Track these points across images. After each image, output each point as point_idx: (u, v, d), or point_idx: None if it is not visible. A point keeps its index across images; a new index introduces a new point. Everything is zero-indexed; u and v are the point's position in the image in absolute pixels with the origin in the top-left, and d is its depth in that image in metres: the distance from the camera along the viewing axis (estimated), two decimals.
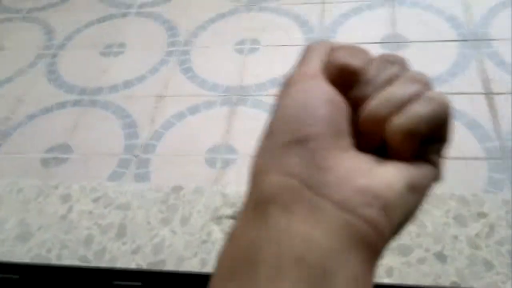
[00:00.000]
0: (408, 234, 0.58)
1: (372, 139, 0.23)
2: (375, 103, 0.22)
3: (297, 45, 2.15)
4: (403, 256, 0.52)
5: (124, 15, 2.49)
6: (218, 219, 0.62)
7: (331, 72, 0.24)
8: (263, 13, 2.35)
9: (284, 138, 0.22)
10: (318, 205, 0.20)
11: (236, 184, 1.67)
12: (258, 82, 2.03)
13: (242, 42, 2.22)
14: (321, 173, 0.21)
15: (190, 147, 1.83)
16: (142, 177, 1.76)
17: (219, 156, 1.78)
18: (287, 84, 0.25)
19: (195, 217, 0.64)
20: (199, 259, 0.62)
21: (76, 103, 2.09)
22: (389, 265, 0.52)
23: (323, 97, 0.22)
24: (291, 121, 0.22)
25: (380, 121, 0.22)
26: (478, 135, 1.69)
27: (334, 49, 0.24)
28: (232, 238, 0.21)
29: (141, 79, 2.14)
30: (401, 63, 0.23)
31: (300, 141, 0.21)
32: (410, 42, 2.06)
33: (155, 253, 0.63)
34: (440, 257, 0.55)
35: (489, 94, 1.80)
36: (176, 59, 2.20)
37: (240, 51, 2.18)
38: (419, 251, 0.56)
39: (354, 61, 0.23)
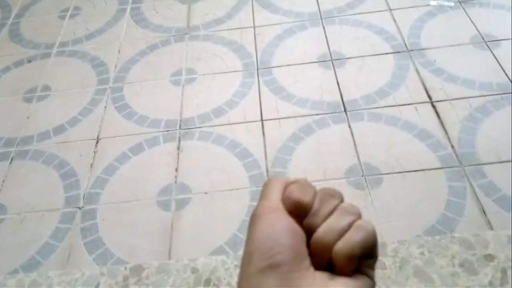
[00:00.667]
0: None
1: (321, 259, 0.29)
2: (321, 231, 0.29)
3: (236, 71, 2.10)
4: None
5: (44, 56, 2.31)
6: None
7: (287, 205, 0.30)
8: (196, 41, 2.28)
9: (260, 264, 0.28)
10: None
11: (201, 250, 1.58)
12: (200, 112, 1.95)
13: (177, 73, 2.13)
14: None
15: (138, 191, 1.70)
16: (90, 232, 1.61)
17: (172, 197, 1.67)
18: (256, 216, 0.31)
19: None
20: None
21: (2, 157, 1.89)
22: None
23: (286, 228, 0.29)
24: (264, 250, 0.28)
25: (326, 245, 0.29)
26: (431, 145, 1.72)
27: (288, 184, 0.32)
28: None
29: (73, 122, 1.98)
30: (338, 196, 0.31)
31: (273, 267, 0.28)
32: (347, 58, 2.08)
33: None
34: None
35: (433, 102, 1.85)
36: (108, 97, 2.07)
37: (177, 83, 2.09)
38: None
39: (305, 197, 0.30)
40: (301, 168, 1.72)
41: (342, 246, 0.29)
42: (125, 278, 0.59)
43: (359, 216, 0.30)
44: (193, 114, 1.94)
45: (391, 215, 1.56)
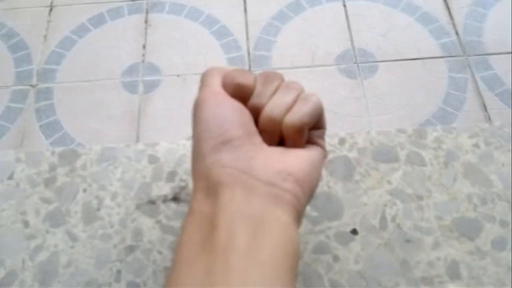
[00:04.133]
0: None
1: (272, 136, 0.30)
2: (269, 108, 0.29)
3: None
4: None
5: None
6: (150, 204, 0.38)
7: (229, 90, 0.30)
8: None
9: (212, 143, 0.28)
10: (252, 184, 0.27)
11: (172, 137, 1.40)
12: None
13: None
14: (248, 162, 0.27)
15: (100, 70, 1.48)
16: (45, 113, 1.41)
17: (139, 78, 1.46)
18: (199, 102, 0.30)
19: (106, 207, 0.39)
20: None
21: None
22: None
23: (231, 107, 0.29)
24: (214, 129, 0.28)
25: (275, 120, 0.29)
26: (434, 31, 1.52)
27: (226, 72, 0.31)
28: (191, 213, 0.27)
29: None
30: (279, 77, 0.31)
31: (226, 142, 0.28)
32: None
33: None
34: None
35: None
36: None
37: None
38: None
39: (244, 80, 0.30)
40: (287, 51, 1.51)
41: (291, 117, 0.29)
42: (52, 168, 0.42)
43: (302, 90, 0.31)
44: None
45: (384, 107, 1.40)
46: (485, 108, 1.39)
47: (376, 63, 1.48)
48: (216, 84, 0.31)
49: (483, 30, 1.53)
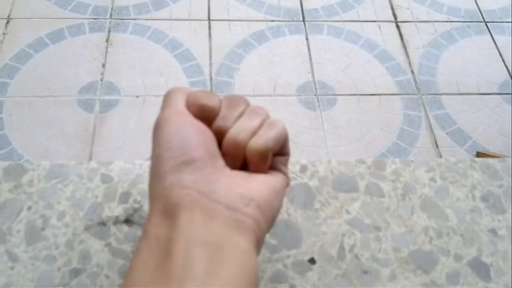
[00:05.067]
0: None
1: (235, 160, 0.29)
2: (234, 131, 0.29)
3: None
4: None
5: None
6: (100, 225, 0.36)
7: (193, 111, 0.29)
8: None
9: (173, 162, 0.27)
10: (213, 207, 0.25)
11: (120, 154, 1.36)
12: (136, 2, 1.66)
13: None
14: (210, 184, 0.26)
15: (56, 86, 1.44)
16: None
17: (96, 97, 1.42)
18: (161, 122, 0.29)
19: (52, 227, 0.37)
20: None
21: None
22: None
23: (194, 128, 0.28)
24: (176, 149, 0.27)
25: (240, 144, 0.28)
26: (391, 68, 1.58)
27: (190, 93, 0.30)
28: (146, 237, 0.25)
29: None
30: (245, 101, 0.30)
31: (188, 163, 0.27)
32: None
33: None
34: None
35: (398, 22, 1.69)
36: None
37: None
38: None
39: (209, 101, 0.29)
40: (249, 79, 1.52)
41: (256, 142, 0.28)
42: None
43: (267, 116, 0.30)
44: (128, 3, 1.65)
45: (341, 139, 1.43)
46: (437, 145, 1.44)
47: (335, 96, 1.51)
48: (179, 104, 0.30)
49: (437, 70, 1.61)
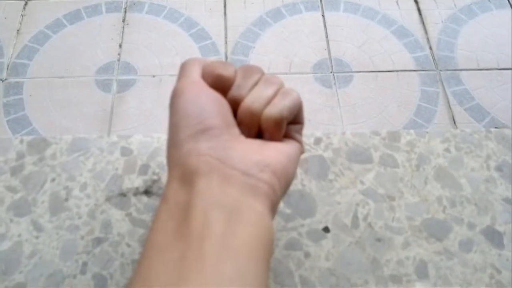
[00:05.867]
0: None
1: (250, 129, 0.30)
2: (248, 100, 0.29)
3: None
4: None
5: None
6: (121, 196, 0.37)
7: (209, 80, 0.30)
8: None
9: (190, 130, 0.28)
10: (229, 173, 0.26)
11: (137, 133, 1.38)
12: None
13: None
14: (226, 151, 0.27)
15: (74, 67, 1.46)
16: (14, 108, 1.37)
17: (114, 77, 1.44)
18: (178, 92, 0.29)
19: (75, 198, 0.38)
20: None
21: None
22: None
23: (210, 97, 0.29)
24: (192, 117, 0.28)
25: (255, 113, 0.29)
26: (408, 44, 1.55)
27: (206, 63, 0.31)
28: (165, 201, 0.26)
29: None
30: (259, 70, 0.31)
31: (204, 131, 0.27)
32: None
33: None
34: None
35: None
36: None
37: None
38: None
39: (225, 71, 0.30)
40: (264, 57, 1.52)
41: (270, 110, 0.29)
42: (20, 156, 0.40)
43: (282, 85, 0.31)
44: None
45: (357, 117, 1.42)
46: (454, 122, 1.42)
47: (351, 74, 1.50)
48: (195, 74, 0.30)
49: (456, 46, 1.58)
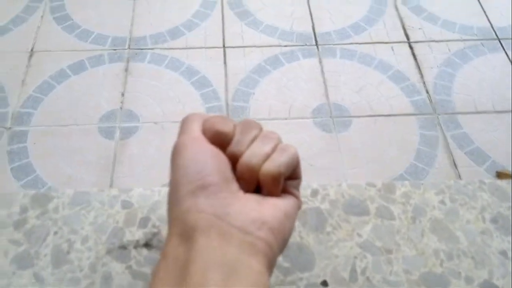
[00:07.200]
0: None
1: (249, 184, 0.30)
2: (247, 156, 0.30)
3: None
4: None
5: None
6: (121, 249, 0.37)
7: (208, 136, 0.31)
8: None
9: (190, 187, 0.29)
10: (227, 230, 0.27)
11: (147, 185, 1.39)
12: (153, 32, 1.71)
13: None
14: (225, 208, 0.28)
15: (78, 115, 1.48)
16: (18, 156, 1.39)
17: (117, 125, 1.46)
18: (179, 148, 0.31)
19: (77, 251, 0.38)
20: None
21: None
22: None
23: (210, 153, 0.30)
24: (192, 174, 0.29)
25: (253, 168, 0.30)
26: (405, 89, 1.59)
27: (206, 119, 0.32)
28: (165, 258, 0.27)
29: (2, 31, 1.70)
30: (258, 126, 0.32)
31: (204, 187, 0.28)
32: None
33: None
34: None
35: (411, 43, 1.70)
36: (46, 5, 1.78)
37: None
38: None
39: (224, 127, 0.31)
40: (264, 103, 1.55)
41: (269, 166, 0.30)
42: (23, 210, 0.41)
43: (280, 140, 0.31)
44: (145, 33, 1.70)
45: (357, 161, 1.43)
46: (455, 165, 1.43)
47: (350, 118, 1.52)
48: (196, 130, 0.31)
49: (452, 89, 1.61)
